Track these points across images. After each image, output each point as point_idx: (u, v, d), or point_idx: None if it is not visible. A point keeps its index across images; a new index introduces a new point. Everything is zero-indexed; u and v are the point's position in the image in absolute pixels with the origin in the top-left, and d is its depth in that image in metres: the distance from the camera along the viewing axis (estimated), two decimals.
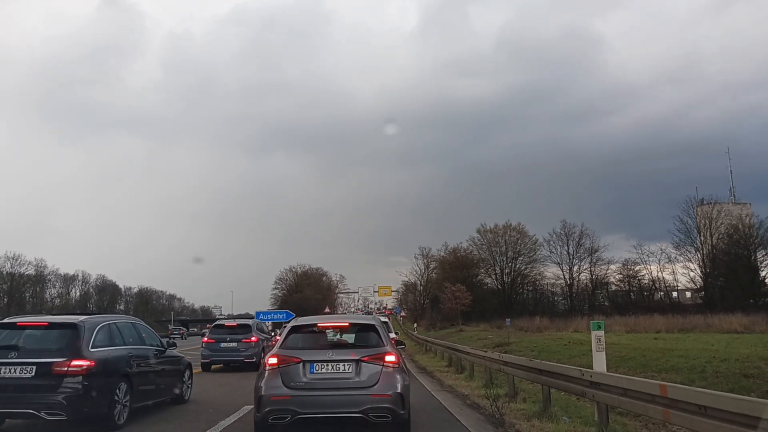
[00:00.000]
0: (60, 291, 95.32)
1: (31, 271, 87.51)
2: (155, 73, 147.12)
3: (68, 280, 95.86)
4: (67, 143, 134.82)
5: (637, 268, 66.46)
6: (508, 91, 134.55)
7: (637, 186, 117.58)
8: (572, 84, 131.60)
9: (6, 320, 8.44)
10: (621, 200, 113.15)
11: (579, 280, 70.69)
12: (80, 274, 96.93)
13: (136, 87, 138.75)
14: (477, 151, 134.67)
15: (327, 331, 7.85)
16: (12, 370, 7.29)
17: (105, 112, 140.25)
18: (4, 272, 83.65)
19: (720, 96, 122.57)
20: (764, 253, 57.51)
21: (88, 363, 7.50)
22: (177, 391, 10.29)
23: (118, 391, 8.00)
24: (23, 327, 8.12)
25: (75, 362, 7.40)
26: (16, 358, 7.38)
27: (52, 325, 8.15)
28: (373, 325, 7.62)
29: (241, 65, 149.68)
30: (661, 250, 65.19)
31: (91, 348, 7.79)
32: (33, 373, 7.26)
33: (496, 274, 74.85)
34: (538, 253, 73.22)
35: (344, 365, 6.96)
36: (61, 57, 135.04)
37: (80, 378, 7.35)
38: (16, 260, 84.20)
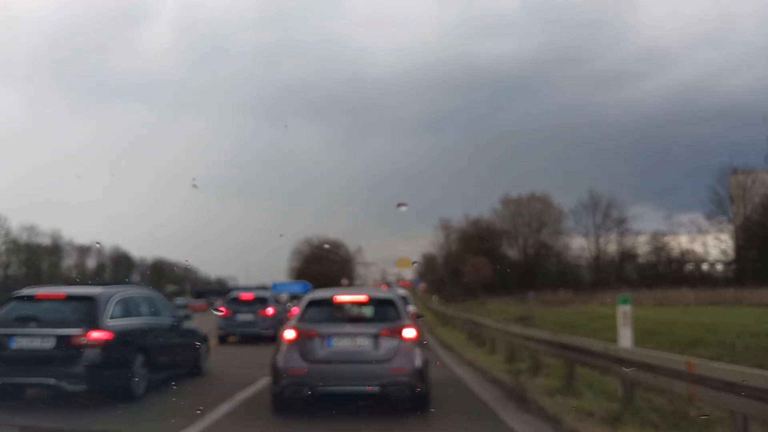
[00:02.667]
0: (77, 262, 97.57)
1: (47, 241, 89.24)
2: (168, 38, 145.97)
3: (84, 250, 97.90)
4: (80, 112, 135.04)
5: (666, 239, 65.40)
6: (533, 52, 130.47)
7: (669, 154, 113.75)
8: (602, 46, 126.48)
9: (25, 292, 8.50)
10: (651, 169, 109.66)
11: (606, 252, 69.85)
12: (96, 245, 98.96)
13: (148, 53, 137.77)
14: (500, 116, 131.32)
15: (345, 304, 7.75)
16: (32, 341, 7.40)
17: (118, 79, 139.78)
18: (21, 242, 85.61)
19: (757, 60, 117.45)
20: None
21: (106, 334, 7.58)
22: (194, 363, 10.34)
23: (135, 362, 8.06)
24: (42, 299, 8.20)
25: (94, 333, 7.48)
26: (36, 329, 7.46)
27: (70, 297, 8.21)
28: (392, 299, 7.55)
29: (255, 27, 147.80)
30: (692, 221, 63.75)
31: (109, 320, 7.85)
32: (53, 345, 7.34)
33: (518, 246, 74.35)
34: (564, 224, 72.42)
35: (362, 339, 6.93)
36: (74, 24, 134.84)
37: (99, 349, 7.43)
38: (33, 231, 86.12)
